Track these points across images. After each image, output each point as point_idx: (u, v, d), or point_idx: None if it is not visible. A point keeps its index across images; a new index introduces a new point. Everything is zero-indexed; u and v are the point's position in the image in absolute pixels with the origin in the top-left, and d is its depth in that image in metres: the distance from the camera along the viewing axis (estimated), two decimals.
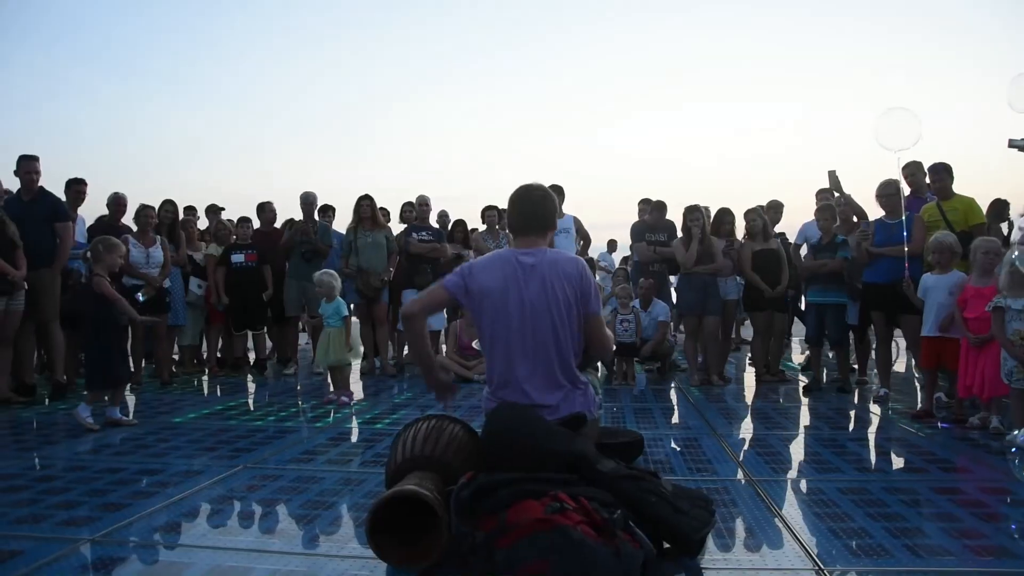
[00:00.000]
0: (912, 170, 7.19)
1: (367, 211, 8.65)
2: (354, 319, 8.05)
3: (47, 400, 6.69)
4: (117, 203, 8.22)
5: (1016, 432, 4.72)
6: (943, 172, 6.68)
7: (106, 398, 5.66)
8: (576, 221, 9.59)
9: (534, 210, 3.42)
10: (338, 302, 6.84)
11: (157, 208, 8.14)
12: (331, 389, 6.90)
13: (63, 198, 7.42)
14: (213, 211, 10.14)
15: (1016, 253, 4.59)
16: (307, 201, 8.95)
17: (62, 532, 3.15)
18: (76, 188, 7.85)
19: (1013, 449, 4.16)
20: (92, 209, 8.47)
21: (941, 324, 5.58)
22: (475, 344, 3.75)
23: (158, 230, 8.03)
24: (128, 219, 8.31)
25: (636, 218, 9.95)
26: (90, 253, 5.97)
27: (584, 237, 9.83)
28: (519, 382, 3.18)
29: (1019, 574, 2.66)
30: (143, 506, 3.51)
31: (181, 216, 9.24)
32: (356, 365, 8.13)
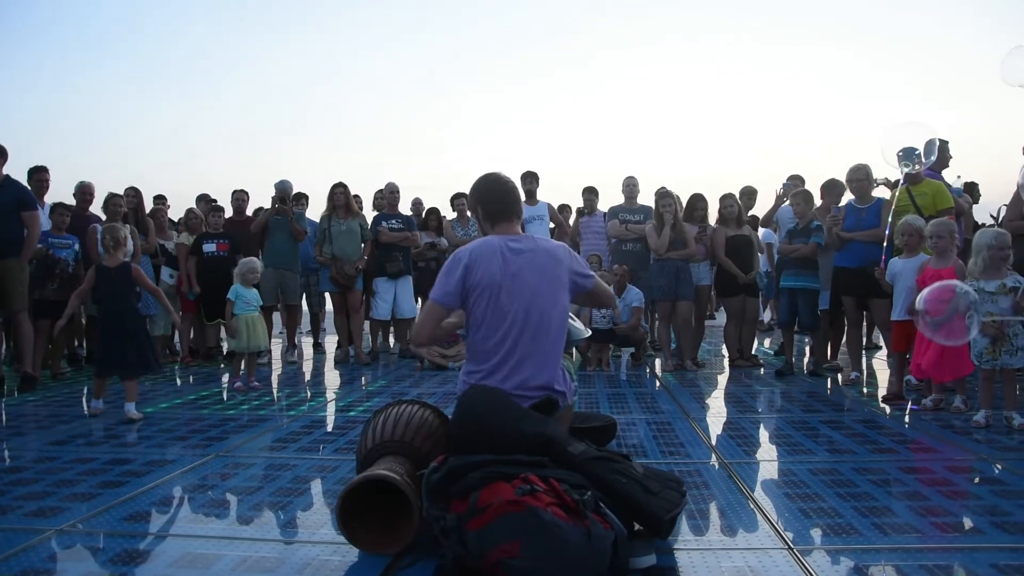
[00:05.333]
0: None
1: (341, 199, 8.59)
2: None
3: (16, 392, 6.58)
4: (83, 192, 8.09)
5: (980, 412, 4.83)
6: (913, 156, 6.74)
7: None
8: (550, 208, 9.60)
9: (507, 196, 3.45)
10: (254, 289, 6.93)
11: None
12: (241, 375, 6.87)
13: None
14: (204, 200, 9.95)
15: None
16: (282, 190, 8.87)
17: (30, 523, 3.10)
18: (39, 176, 7.69)
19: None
20: (55, 198, 8.30)
21: (909, 308, 5.64)
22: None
23: (126, 219, 7.92)
24: (96, 208, 8.20)
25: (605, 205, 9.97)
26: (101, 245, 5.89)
27: (559, 224, 9.84)
28: (524, 361, 3.15)
29: (983, 549, 2.70)
30: (112, 496, 3.47)
31: (151, 205, 9.15)
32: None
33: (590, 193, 9.71)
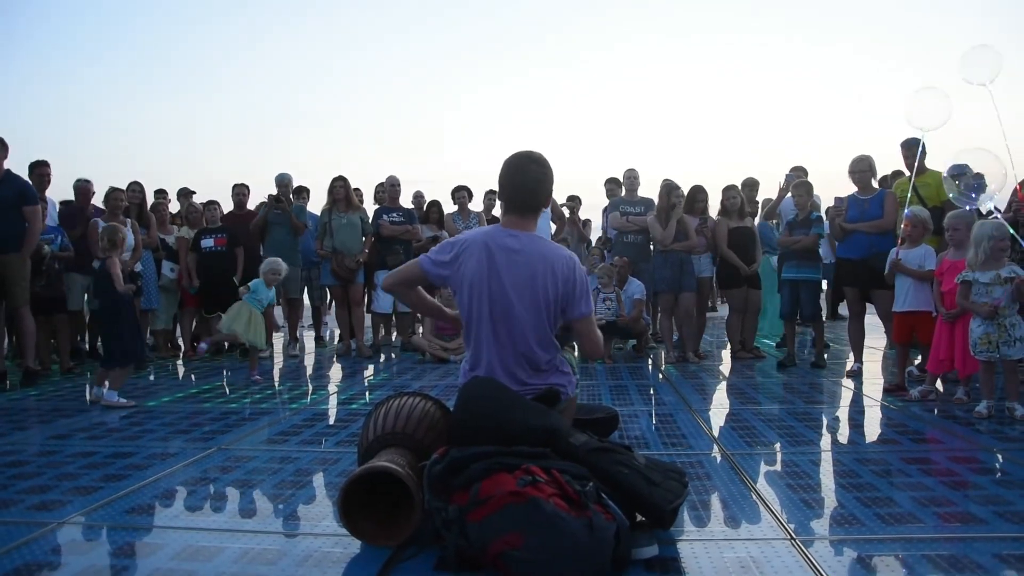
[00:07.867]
0: None
1: (341, 192, 8.58)
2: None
3: (19, 386, 6.59)
4: (81, 191, 8.08)
5: (982, 402, 4.82)
6: (916, 147, 6.72)
7: (106, 383, 5.72)
8: (551, 201, 9.55)
9: (530, 188, 3.20)
10: (274, 289, 7.09)
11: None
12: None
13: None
14: (184, 195, 10.01)
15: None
16: (282, 182, 8.87)
17: (32, 516, 3.10)
18: (40, 171, 7.68)
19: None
20: (56, 193, 8.30)
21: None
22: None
23: (127, 213, 7.91)
24: (97, 202, 8.19)
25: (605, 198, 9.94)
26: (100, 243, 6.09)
27: (560, 217, 9.82)
28: (496, 364, 3.15)
29: (985, 539, 2.69)
30: (115, 489, 3.47)
31: (152, 199, 9.14)
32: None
33: (613, 184, 9.68)
